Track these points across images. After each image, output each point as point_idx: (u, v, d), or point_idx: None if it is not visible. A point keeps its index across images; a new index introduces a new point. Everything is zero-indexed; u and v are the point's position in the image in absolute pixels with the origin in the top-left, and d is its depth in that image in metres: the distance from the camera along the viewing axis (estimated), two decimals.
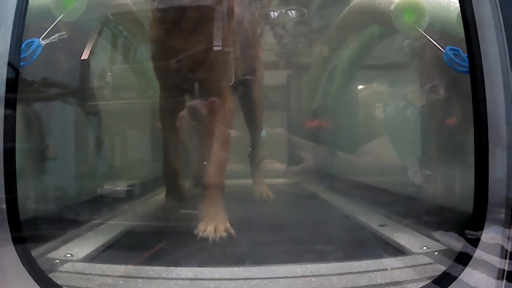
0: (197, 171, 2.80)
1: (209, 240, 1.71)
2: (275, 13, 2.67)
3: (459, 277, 1.18)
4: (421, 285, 1.26)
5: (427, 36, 1.73)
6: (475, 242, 1.19)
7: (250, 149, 2.84)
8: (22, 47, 1.31)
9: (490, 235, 1.16)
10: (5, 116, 1.18)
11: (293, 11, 2.66)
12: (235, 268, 1.41)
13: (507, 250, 1.12)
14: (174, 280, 1.33)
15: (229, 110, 2.06)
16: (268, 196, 2.71)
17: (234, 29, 2.10)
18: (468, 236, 1.22)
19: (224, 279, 1.35)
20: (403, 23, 1.85)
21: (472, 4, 1.25)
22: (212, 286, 1.30)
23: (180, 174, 2.29)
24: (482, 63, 1.22)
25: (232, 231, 1.77)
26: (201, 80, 2.14)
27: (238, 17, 2.17)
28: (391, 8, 1.91)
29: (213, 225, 1.76)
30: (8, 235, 1.15)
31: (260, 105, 2.82)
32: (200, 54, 1.96)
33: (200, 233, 1.74)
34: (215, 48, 1.93)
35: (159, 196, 2.58)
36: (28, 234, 1.29)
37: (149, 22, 2.08)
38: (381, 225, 1.92)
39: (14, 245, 1.15)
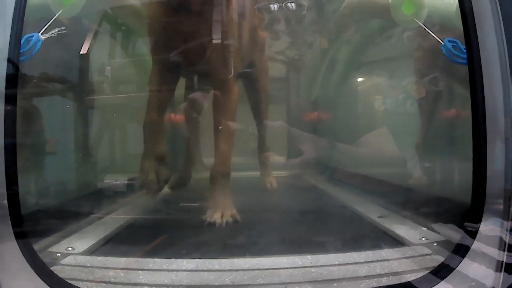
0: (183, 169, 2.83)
1: (216, 225, 1.81)
2: (275, 6, 2.66)
3: (457, 268, 1.19)
4: (419, 276, 1.27)
5: (426, 28, 1.73)
6: (473, 234, 1.19)
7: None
8: (21, 42, 1.31)
9: (489, 227, 1.17)
10: (6, 112, 1.18)
11: (292, 4, 2.65)
12: (235, 260, 1.43)
13: (505, 242, 1.13)
14: (175, 272, 1.35)
15: (232, 102, 2.07)
16: (271, 185, 2.79)
17: (234, 21, 2.09)
18: (467, 228, 1.22)
19: (224, 270, 1.36)
20: (402, 16, 1.85)
21: None
22: (212, 277, 1.31)
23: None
24: (480, 54, 1.22)
25: (238, 217, 1.87)
26: (201, 73, 2.14)
27: (238, 9, 2.16)
28: (390, 0, 1.90)
29: (220, 211, 1.86)
30: (10, 230, 1.16)
31: (265, 97, 2.83)
32: (200, 46, 1.96)
33: (208, 219, 1.84)
34: (214, 41, 1.93)
35: None
36: (29, 228, 1.30)
37: (148, 14, 2.07)
38: (380, 216, 1.93)
39: (16, 240, 1.16)
